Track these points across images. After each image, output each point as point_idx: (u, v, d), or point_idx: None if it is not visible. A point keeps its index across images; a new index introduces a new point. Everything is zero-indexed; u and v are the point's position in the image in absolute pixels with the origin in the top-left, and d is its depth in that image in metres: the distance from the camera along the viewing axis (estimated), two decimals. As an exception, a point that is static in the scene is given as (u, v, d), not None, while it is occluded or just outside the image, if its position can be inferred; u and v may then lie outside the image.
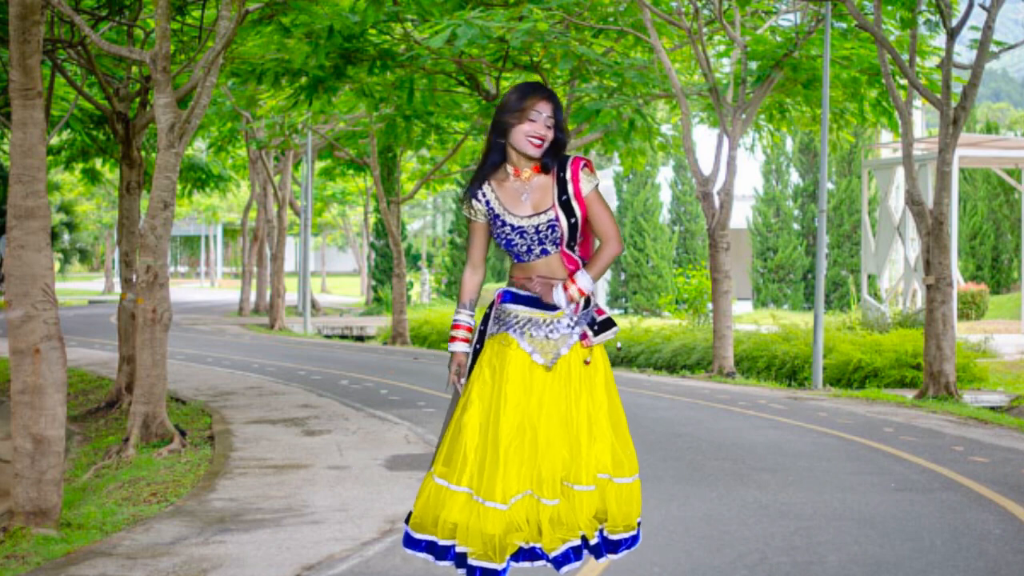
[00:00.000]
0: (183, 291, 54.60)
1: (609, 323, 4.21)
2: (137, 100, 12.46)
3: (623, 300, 34.65)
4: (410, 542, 4.10)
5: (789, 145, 34.72)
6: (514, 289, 4.21)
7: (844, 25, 14.99)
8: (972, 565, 5.21)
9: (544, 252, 4.16)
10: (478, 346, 4.23)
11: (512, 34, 12.65)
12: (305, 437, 9.31)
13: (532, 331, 4.14)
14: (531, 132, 4.11)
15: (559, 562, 4.03)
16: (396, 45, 14.58)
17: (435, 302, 36.41)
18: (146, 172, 14.65)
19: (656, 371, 17.22)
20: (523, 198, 4.17)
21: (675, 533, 5.77)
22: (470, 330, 4.24)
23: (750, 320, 24.52)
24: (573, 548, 4.04)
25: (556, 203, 4.14)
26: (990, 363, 16.48)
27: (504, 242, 4.18)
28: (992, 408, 12.67)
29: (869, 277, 23.75)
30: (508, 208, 4.16)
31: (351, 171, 31.55)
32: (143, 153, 15.72)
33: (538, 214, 4.14)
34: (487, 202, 4.19)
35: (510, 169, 4.19)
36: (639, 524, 4.17)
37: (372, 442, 9.00)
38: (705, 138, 28.84)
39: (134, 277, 11.41)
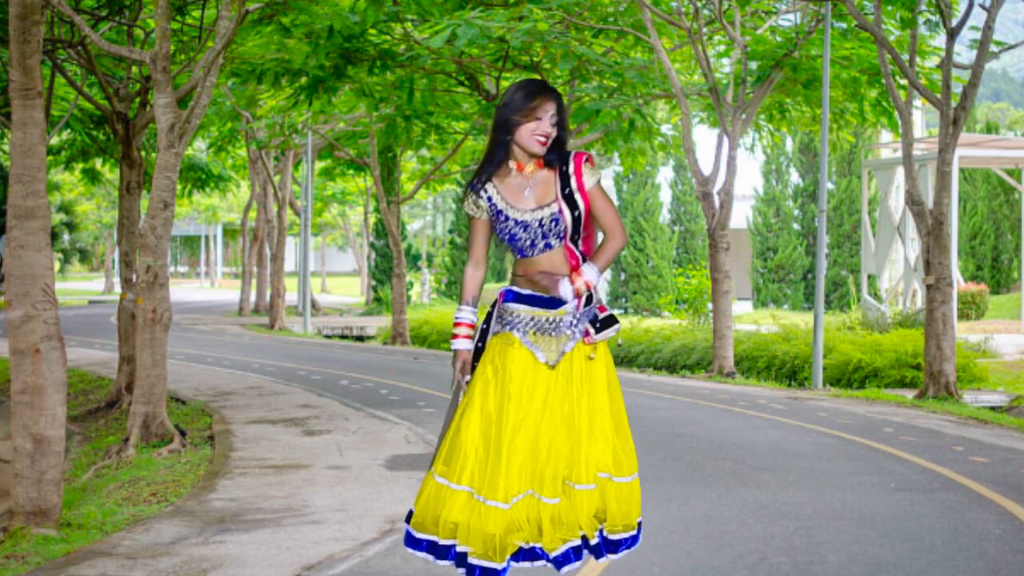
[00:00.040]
0: (183, 291, 54.60)
1: (611, 320, 4.21)
2: (137, 100, 12.46)
3: (623, 300, 34.65)
4: (411, 541, 4.11)
5: (789, 145, 34.73)
6: (516, 288, 4.21)
7: (844, 25, 14.99)
8: (972, 565, 5.21)
9: (548, 246, 4.16)
10: (480, 344, 4.24)
11: (512, 34, 12.66)
12: (305, 437, 9.31)
13: (535, 330, 4.15)
14: (538, 131, 4.13)
15: (560, 562, 4.03)
16: (396, 45, 14.58)
17: (435, 302, 36.40)
18: (146, 172, 14.65)
19: (656, 371, 17.22)
20: (526, 193, 4.18)
21: (675, 533, 5.77)
22: (472, 327, 4.25)
23: (750, 320, 24.52)
24: (573, 548, 4.05)
25: (559, 196, 4.15)
26: (990, 363, 16.49)
27: (508, 237, 4.18)
28: (992, 408, 12.67)
29: (869, 277, 23.76)
30: (511, 203, 4.17)
31: (351, 171, 31.56)
32: (143, 153, 15.72)
33: (541, 207, 4.16)
34: (489, 198, 4.20)
35: (513, 165, 4.20)
36: (640, 524, 4.18)
37: (372, 442, 9.00)
38: (705, 138, 28.84)
39: (134, 277, 11.41)
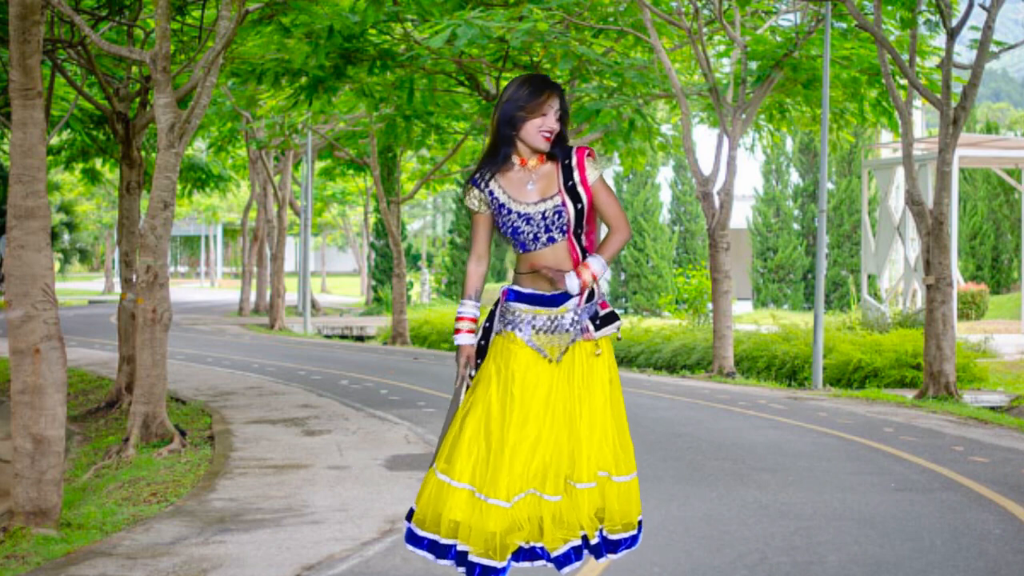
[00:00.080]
0: (183, 291, 54.60)
1: (612, 317, 4.22)
2: (137, 100, 12.47)
3: (623, 300, 34.66)
4: (412, 539, 4.10)
5: (789, 145, 34.73)
6: (518, 288, 4.21)
7: (844, 25, 14.99)
8: (972, 565, 5.21)
9: (551, 240, 4.16)
10: (483, 342, 4.24)
11: (512, 34, 12.66)
12: (305, 437, 9.31)
13: (537, 328, 4.15)
14: (544, 127, 4.13)
15: (561, 562, 4.03)
16: (396, 45, 14.58)
17: (435, 302, 36.40)
18: (146, 172, 14.65)
19: (656, 371, 17.22)
20: (528, 186, 4.18)
21: (675, 533, 5.77)
22: (475, 322, 4.25)
23: (750, 320, 24.52)
24: (574, 548, 4.05)
25: (562, 189, 4.16)
26: (990, 363, 16.49)
27: (510, 230, 4.18)
28: (992, 408, 12.68)
29: (869, 277, 23.76)
30: (514, 196, 4.17)
31: (351, 171, 31.56)
32: (143, 153, 15.72)
33: (544, 200, 4.16)
34: (491, 192, 4.20)
35: (515, 159, 4.20)
36: (640, 523, 4.18)
37: (372, 442, 9.00)
38: (705, 138, 28.84)
39: (134, 277, 11.41)
